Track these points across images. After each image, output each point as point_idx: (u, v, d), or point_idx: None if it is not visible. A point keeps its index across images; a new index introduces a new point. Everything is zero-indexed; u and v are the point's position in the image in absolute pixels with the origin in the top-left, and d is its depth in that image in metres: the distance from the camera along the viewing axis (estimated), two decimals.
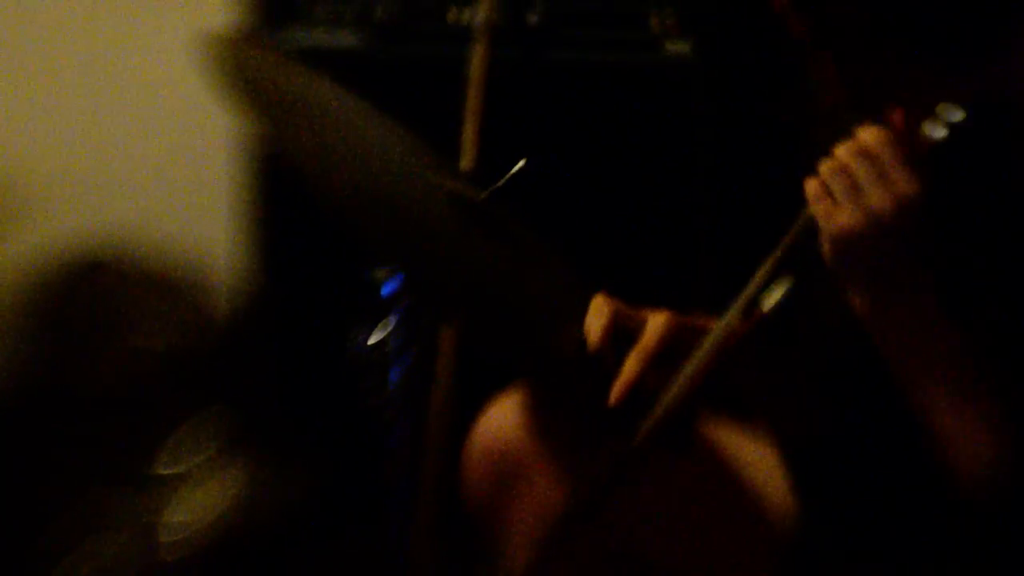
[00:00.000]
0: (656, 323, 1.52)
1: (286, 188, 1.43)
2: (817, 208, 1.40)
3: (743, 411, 1.66)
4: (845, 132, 1.44)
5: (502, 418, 1.66)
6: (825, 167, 1.41)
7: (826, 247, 1.40)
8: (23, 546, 1.94)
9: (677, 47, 2.41)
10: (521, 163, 1.64)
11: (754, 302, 1.46)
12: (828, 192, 1.39)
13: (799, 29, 1.47)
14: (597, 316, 1.53)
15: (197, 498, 1.97)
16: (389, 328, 1.54)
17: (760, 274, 1.46)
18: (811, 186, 1.41)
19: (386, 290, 1.54)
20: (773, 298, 1.46)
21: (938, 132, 1.40)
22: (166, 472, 1.98)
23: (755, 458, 1.66)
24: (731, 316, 1.46)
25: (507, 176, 1.63)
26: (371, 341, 1.53)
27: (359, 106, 1.68)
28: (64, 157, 2.84)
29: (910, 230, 1.38)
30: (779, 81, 2.49)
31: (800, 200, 1.44)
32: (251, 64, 1.62)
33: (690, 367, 1.47)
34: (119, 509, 1.96)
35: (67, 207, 2.78)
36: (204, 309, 2.28)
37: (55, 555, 1.93)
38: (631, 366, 1.50)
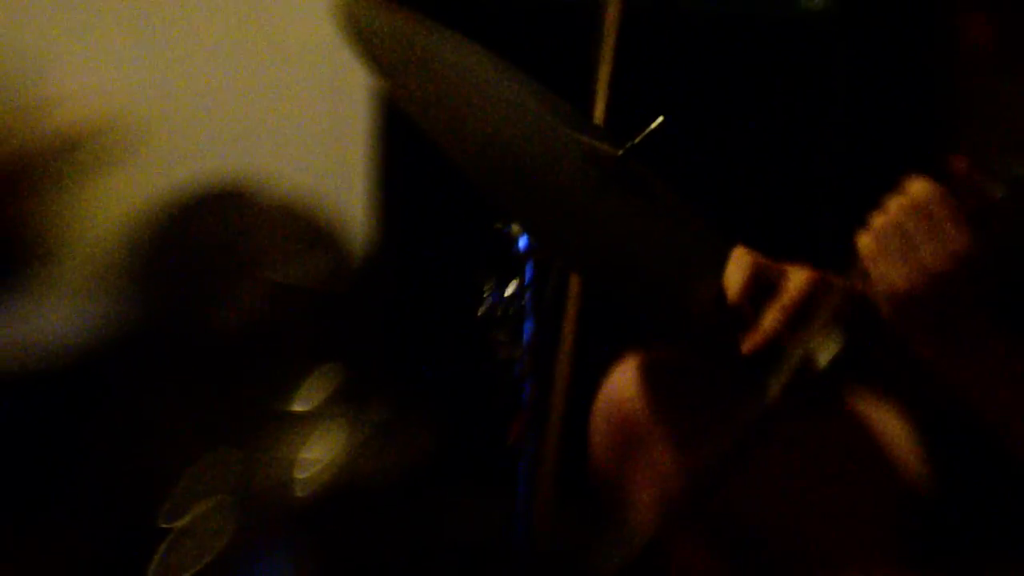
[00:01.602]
0: (799, 278, 1.51)
1: (421, 140, 1.44)
2: (872, 268, 1.38)
3: (878, 380, 1.63)
4: (994, 95, 1.41)
5: (628, 379, 1.65)
6: (877, 223, 1.39)
7: (882, 304, 1.38)
8: (160, 478, 1.97)
9: (814, 0, 2.37)
10: (659, 120, 1.62)
11: (807, 359, 1.43)
12: (882, 250, 1.37)
13: None
14: (738, 268, 1.52)
15: (329, 437, 1.99)
16: (524, 282, 1.54)
17: (811, 330, 1.44)
18: (864, 244, 1.40)
19: (522, 243, 1.54)
20: (827, 354, 1.43)
21: (998, 188, 1.38)
22: (300, 410, 2.01)
23: (890, 429, 1.64)
24: (781, 377, 1.43)
25: (644, 132, 1.62)
26: (506, 294, 1.53)
27: (492, 62, 1.68)
28: (201, 100, 2.86)
29: (968, 283, 1.36)
30: (922, 39, 2.44)
31: (939, 161, 1.41)
32: (384, 23, 1.63)
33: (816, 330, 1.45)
34: (254, 444, 1.99)
35: (202, 150, 2.81)
36: (339, 250, 2.29)
37: (191, 486, 1.96)
38: (771, 319, 1.48)
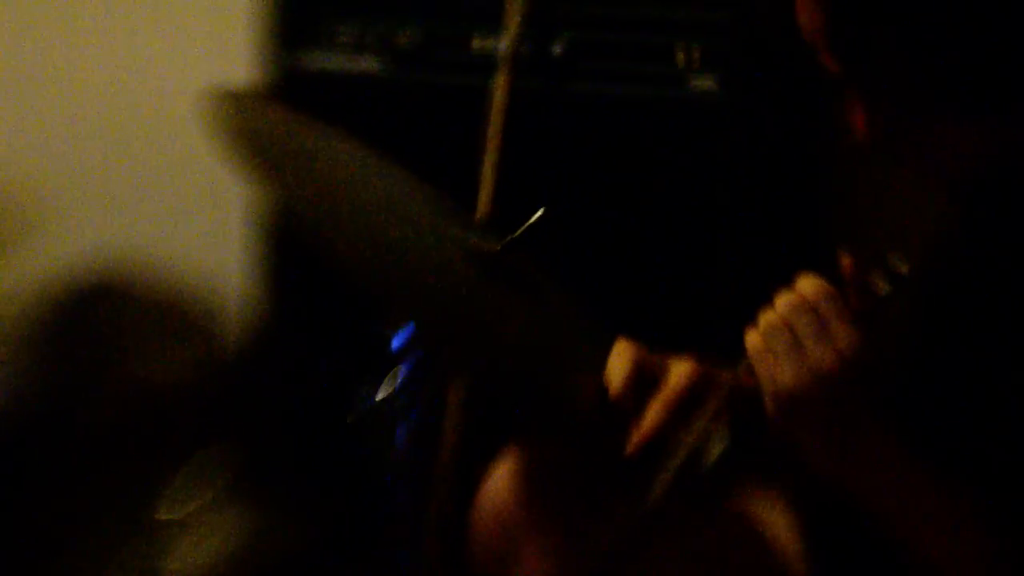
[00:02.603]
0: (681, 371, 1.50)
1: (299, 231, 1.43)
2: (758, 366, 1.37)
3: (762, 473, 1.62)
4: (871, 174, 1.41)
5: (508, 480, 1.62)
6: (764, 322, 1.38)
7: (768, 405, 1.37)
8: None
9: (703, 82, 2.37)
10: (539, 212, 1.61)
11: (692, 462, 1.42)
12: (769, 349, 1.36)
13: (830, 64, 1.43)
14: (619, 362, 1.51)
15: (197, 545, 1.94)
16: (397, 383, 1.51)
17: (696, 430, 1.43)
18: (751, 342, 1.39)
19: (396, 344, 1.51)
20: (709, 458, 1.42)
21: (883, 285, 1.38)
22: (167, 517, 1.95)
23: (772, 524, 1.63)
24: (665, 478, 1.43)
25: (524, 226, 1.60)
26: (378, 397, 1.50)
27: (372, 159, 1.66)
28: (76, 175, 2.82)
29: (855, 384, 1.35)
30: (807, 120, 2.45)
31: (829, 248, 1.42)
32: (260, 121, 1.60)
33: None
34: (118, 554, 1.93)
35: (77, 227, 2.76)
36: (213, 342, 2.25)
37: None
38: (653, 414, 1.47)
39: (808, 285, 1.38)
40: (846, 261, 1.39)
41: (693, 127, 2.37)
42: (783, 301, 1.38)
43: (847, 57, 1.40)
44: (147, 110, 2.82)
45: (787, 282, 1.45)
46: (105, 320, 2.24)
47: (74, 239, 2.71)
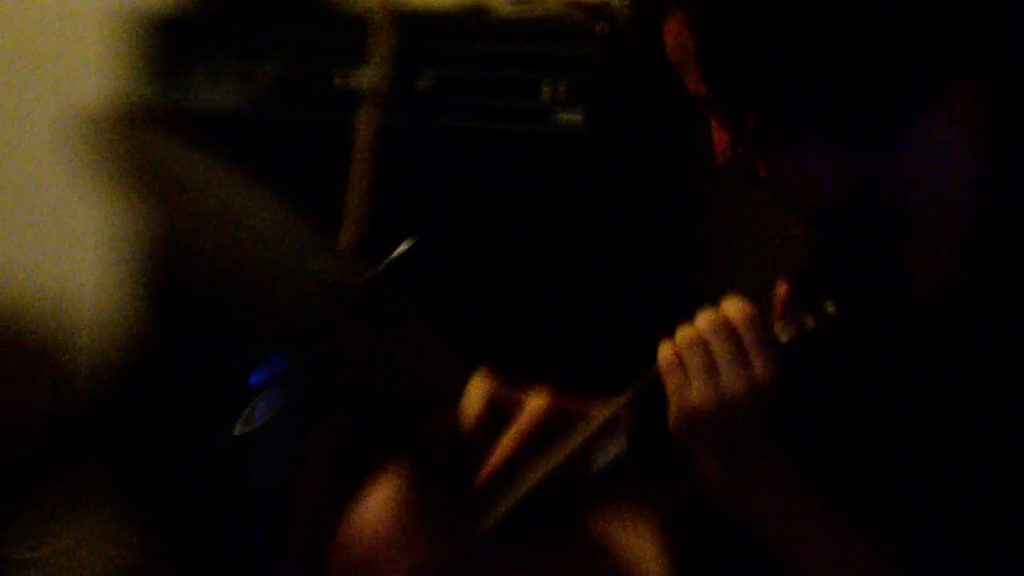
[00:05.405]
0: (532, 406, 1.48)
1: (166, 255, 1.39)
2: (668, 379, 1.35)
3: (625, 497, 1.60)
4: (737, 201, 1.40)
5: (370, 513, 1.59)
6: (682, 336, 1.36)
7: (672, 418, 1.35)
8: None
9: (568, 117, 2.37)
10: (404, 246, 1.58)
11: (584, 456, 1.40)
12: (681, 364, 1.35)
13: (696, 87, 1.42)
14: (474, 396, 1.49)
15: None
16: (256, 419, 1.47)
17: (593, 425, 1.40)
18: (664, 354, 1.36)
19: (255, 379, 1.47)
20: (604, 458, 1.40)
21: (811, 321, 1.36)
22: (22, 556, 1.89)
23: (636, 547, 1.61)
24: (555, 467, 1.41)
25: (387, 260, 1.57)
26: (236, 432, 1.46)
27: (241, 184, 1.62)
28: None
29: (761, 414, 1.34)
30: (673, 153, 2.46)
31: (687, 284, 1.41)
32: (129, 142, 1.57)
33: (552, 460, 1.42)
34: None
35: None
36: (64, 372, 2.18)
37: None
38: (501, 449, 1.45)
39: (733, 307, 1.35)
40: (782, 289, 1.37)
41: (559, 161, 2.37)
42: (705, 319, 1.35)
43: (716, 80, 1.39)
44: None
45: (653, 313, 1.43)
46: None
47: None
